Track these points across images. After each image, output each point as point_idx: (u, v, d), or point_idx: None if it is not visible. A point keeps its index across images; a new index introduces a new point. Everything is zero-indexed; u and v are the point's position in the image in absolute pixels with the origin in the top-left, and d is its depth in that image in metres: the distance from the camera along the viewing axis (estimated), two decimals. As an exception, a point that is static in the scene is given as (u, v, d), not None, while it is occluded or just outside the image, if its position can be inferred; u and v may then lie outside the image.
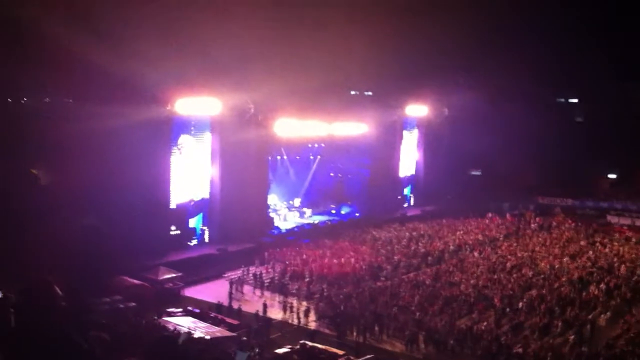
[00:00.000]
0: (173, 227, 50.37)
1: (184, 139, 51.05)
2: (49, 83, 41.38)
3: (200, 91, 49.00)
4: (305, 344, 30.92)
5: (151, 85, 44.01)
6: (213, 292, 41.95)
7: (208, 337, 29.75)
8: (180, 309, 36.63)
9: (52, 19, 38.40)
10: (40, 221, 36.55)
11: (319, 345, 31.23)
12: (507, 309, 38.01)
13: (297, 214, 66.99)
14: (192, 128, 51.58)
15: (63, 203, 37.88)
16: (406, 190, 78.82)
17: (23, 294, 5.90)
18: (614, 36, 73.96)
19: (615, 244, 57.34)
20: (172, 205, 50.59)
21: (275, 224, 60.83)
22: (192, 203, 52.02)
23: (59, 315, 5.81)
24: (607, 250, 54.45)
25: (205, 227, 53.10)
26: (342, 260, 48.50)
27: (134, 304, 35.50)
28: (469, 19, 63.20)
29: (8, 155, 38.60)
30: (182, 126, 50.87)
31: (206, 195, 53.21)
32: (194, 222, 52.50)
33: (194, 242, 52.15)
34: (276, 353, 30.50)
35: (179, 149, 50.67)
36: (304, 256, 49.92)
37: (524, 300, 39.40)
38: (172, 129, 49.71)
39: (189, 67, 46.63)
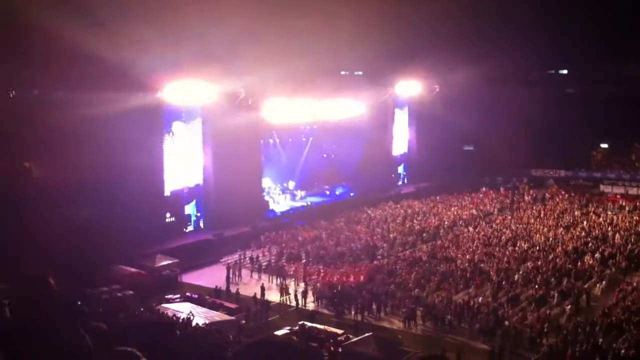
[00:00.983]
0: (168, 215, 50.39)
1: (175, 126, 50.90)
2: (36, 72, 41.06)
3: (190, 76, 48.74)
4: (304, 325, 31.19)
5: (141, 71, 43.70)
6: (211, 277, 42.12)
7: (207, 321, 29.95)
8: (178, 295, 36.84)
9: (38, 7, 38.09)
10: (35, 213, 36.48)
11: (318, 326, 31.52)
12: (504, 282, 38.31)
13: (292, 196, 67.06)
14: (183, 114, 51.34)
15: (57, 194, 37.80)
16: (400, 169, 78.92)
17: (19, 286, 5.93)
18: (602, 5, 73.83)
19: (609, 213, 57.68)
20: (167, 193, 50.54)
21: (270, 207, 60.90)
22: (186, 190, 51.94)
23: (55, 307, 5.85)
24: (601, 219, 54.75)
25: (198, 214, 53.00)
26: (338, 240, 48.72)
27: (132, 292, 35.64)
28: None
29: (1, 148, 38.45)
30: (174, 113, 50.65)
31: (200, 182, 53.12)
32: (189, 209, 52.48)
33: (190, 228, 52.18)
34: (275, 335, 30.73)
35: (171, 136, 50.52)
36: (300, 238, 50.09)
37: (520, 272, 39.70)
38: (163, 116, 49.50)
39: (178, 52, 46.38)
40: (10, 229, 34.49)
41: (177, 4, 48.97)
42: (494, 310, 33.56)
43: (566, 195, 66.97)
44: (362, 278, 39.74)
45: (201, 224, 53.01)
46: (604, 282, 38.85)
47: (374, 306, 35.53)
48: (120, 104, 42.00)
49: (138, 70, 43.25)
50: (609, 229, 50.89)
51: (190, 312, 31.21)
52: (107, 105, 40.70)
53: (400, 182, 78.07)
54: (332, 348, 27.61)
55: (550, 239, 48.10)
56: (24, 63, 39.86)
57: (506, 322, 31.94)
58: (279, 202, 64.45)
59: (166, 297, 36.36)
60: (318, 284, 39.22)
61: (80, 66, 40.78)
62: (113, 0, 43.44)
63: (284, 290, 38.75)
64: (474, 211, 60.08)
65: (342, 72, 73.65)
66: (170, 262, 42.30)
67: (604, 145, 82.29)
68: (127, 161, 42.91)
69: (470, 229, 52.94)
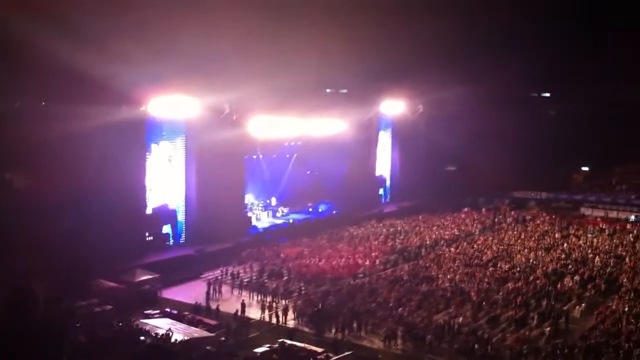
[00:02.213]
0: (147, 234, 49.89)
1: (158, 142, 50.68)
2: (19, 85, 40.83)
3: (174, 91, 48.68)
4: (284, 343, 31.01)
5: (125, 85, 43.59)
6: (191, 292, 41.82)
7: (186, 337, 29.71)
8: (157, 311, 36.50)
9: (23, 18, 37.93)
10: (15, 225, 36.19)
11: (298, 344, 31.33)
12: (484, 303, 38.37)
13: (274, 212, 66.93)
14: (166, 130, 51.12)
15: (37, 206, 37.51)
16: (382, 188, 79.09)
17: (2, 299, 5.92)
18: (585, 30, 74.89)
19: (589, 235, 58.10)
20: (148, 210, 50.18)
21: (253, 224, 60.74)
22: (167, 207, 51.49)
23: (37, 322, 5.85)
24: (581, 242, 55.14)
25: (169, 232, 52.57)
26: (320, 258, 48.67)
27: (110, 306, 35.30)
28: (441, 17, 63.55)
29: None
30: (157, 128, 50.47)
31: (181, 198, 52.73)
32: (167, 228, 52.00)
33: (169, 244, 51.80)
34: (255, 352, 30.55)
35: (154, 151, 50.29)
36: (282, 255, 49.96)
37: (500, 293, 39.82)
38: (146, 131, 49.26)
39: (163, 66, 46.30)
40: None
41: (163, 18, 48.90)
42: (474, 330, 33.61)
43: (547, 217, 67.45)
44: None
45: (181, 240, 52.60)
46: (583, 304, 39.02)
47: (355, 325, 35.39)
48: (104, 118, 41.80)
49: (122, 84, 43.20)
50: (589, 251, 51.28)
51: (170, 327, 30.93)
52: (90, 119, 40.46)
53: (383, 201, 78.21)
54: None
55: (531, 260, 48.37)
56: (6, 75, 39.63)
57: (486, 343, 32.01)
58: (262, 218, 64.31)
59: (145, 312, 36.03)
60: (300, 302, 39.06)
61: (64, 79, 40.63)
62: (97, 14, 43.24)
63: (264, 307, 38.53)
64: (455, 231, 60.28)
65: (327, 90, 73.87)
66: (150, 276, 41.90)
67: (585, 168, 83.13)
68: (110, 175, 42.69)
69: (452, 249, 53.08)
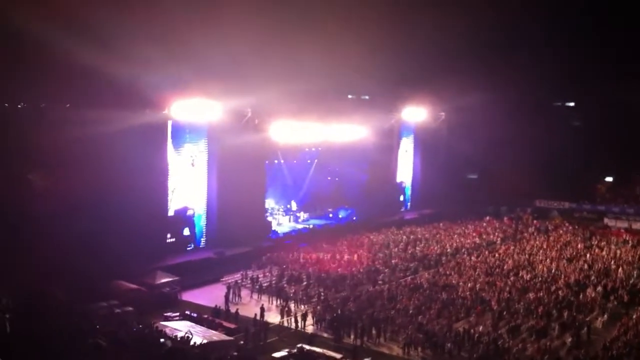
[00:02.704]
0: (169, 235, 50.25)
1: (181, 145, 50.95)
2: (45, 88, 41.33)
3: (196, 94, 48.94)
4: (302, 348, 30.97)
5: (147, 89, 43.92)
6: (211, 296, 41.94)
7: (205, 340, 29.75)
8: (177, 313, 36.64)
9: (48, 23, 38.37)
10: (37, 227, 36.52)
11: (317, 349, 31.28)
12: (505, 312, 38.02)
13: (294, 217, 66.98)
14: (189, 134, 51.40)
15: (60, 208, 37.84)
16: (403, 195, 78.85)
17: (22, 301, 5.92)
18: (609, 38, 74.13)
19: (612, 246, 57.40)
20: (170, 212, 50.46)
21: (273, 228, 60.84)
22: (187, 212, 51.73)
23: (56, 323, 5.84)
24: (604, 253, 54.50)
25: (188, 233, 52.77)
26: (340, 263, 48.58)
27: (131, 308, 35.46)
28: (466, 24, 63.32)
29: (4, 161, 38.58)
30: (181, 133, 50.75)
31: (201, 205, 52.92)
32: (188, 231, 52.23)
33: (190, 248, 52.01)
34: (274, 357, 30.53)
35: (177, 155, 50.54)
36: (301, 260, 49.94)
37: (522, 303, 39.43)
38: (170, 135, 49.59)
39: (186, 71, 46.61)
40: (12, 241, 34.51)
41: (185, 22, 49.24)
42: (494, 339, 33.30)
43: (570, 227, 66.79)
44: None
45: (199, 244, 52.79)
46: (605, 315, 38.55)
47: (374, 331, 35.26)
48: (126, 122, 42.16)
49: (145, 88, 43.53)
50: (612, 262, 50.62)
51: (189, 330, 30.99)
52: (113, 123, 40.79)
53: (403, 208, 77.95)
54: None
55: (553, 270, 47.83)
56: (32, 76, 40.14)
57: (506, 352, 31.70)
58: (282, 223, 64.38)
59: (165, 314, 36.19)
60: (318, 306, 38.97)
61: (87, 83, 41.12)
62: (120, 19, 43.61)
63: (283, 312, 38.50)
64: (477, 239, 59.89)
65: (349, 96, 73.89)
66: (170, 279, 42.10)
67: (609, 179, 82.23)
68: (132, 178, 43.01)
69: (473, 257, 52.70)
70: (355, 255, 51.42)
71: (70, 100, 43.90)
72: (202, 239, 52.95)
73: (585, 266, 49.28)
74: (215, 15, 51.39)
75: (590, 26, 73.04)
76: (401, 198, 78.52)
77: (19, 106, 43.39)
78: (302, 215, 67.66)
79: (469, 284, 43.62)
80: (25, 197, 39.76)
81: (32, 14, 38.24)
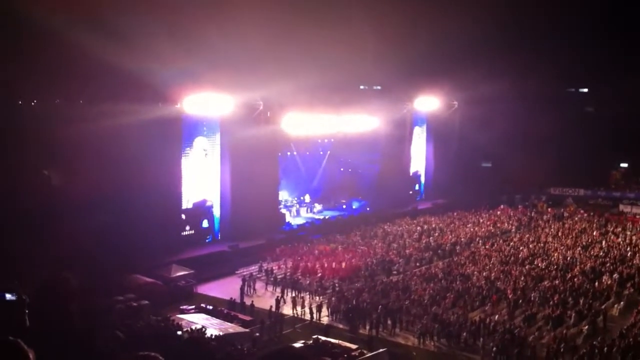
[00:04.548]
0: (187, 227, 50.56)
1: (196, 139, 51.16)
2: (58, 84, 41.54)
3: (208, 88, 49.06)
4: (318, 339, 31.05)
5: (160, 83, 44.08)
6: (226, 288, 42.12)
7: (221, 333, 29.92)
8: (193, 306, 36.84)
9: (61, 18, 38.53)
10: (53, 221, 36.80)
11: (332, 340, 31.35)
12: (520, 301, 37.95)
13: (308, 209, 67.07)
14: (204, 128, 51.60)
15: (75, 203, 38.09)
16: (417, 184, 78.69)
17: (39, 291, 5.98)
18: (622, 24, 73.49)
19: (628, 233, 57.06)
20: (188, 205, 50.71)
21: (287, 220, 60.96)
22: (207, 203, 52.03)
23: (74, 314, 5.89)
24: (619, 240, 54.21)
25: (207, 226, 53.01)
26: (354, 254, 48.63)
27: (147, 302, 35.68)
28: (477, 12, 62.94)
29: (21, 156, 38.84)
30: (194, 126, 50.95)
31: (217, 194, 53.17)
32: (206, 222, 52.56)
33: (207, 240, 52.30)
34: (291, 346, 30.60)
35: (191, 149, 50.75)
36: (316, 251, 50.03)
37: (537, 291, 39.33)
38: (183, 128, 49.82)
39: (198, 64, 46.69)
40: (28, 236, 34.78)
41: (197, 16, 49.29)
42: (510, 328, 33.26)
43: (585, 215, 66.43)
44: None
45: (218, 236, 53.04)
46: (621, 303, 38.40)
47: (389, 322, 35.32)
48: (140, 116, 42.39)
49: (158, 82, 43.64)
50: (628, 249, 50.36)
51: (205, 323, 31.18)
52: (127, 117, 41.01)
53: (417, 198, 77.79)
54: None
55: (568, 258, 47.63)
56: (45, 75, 40.34)
57: (522, 341, 31.64)
58: (295, 215, 64.48)
59: (181, 307, 36.41)
60: (333, 298, 39.05)
61: (101, 78, 41.30)
62: (133, 14, 43.70)
63: (298, 303, 38.61)
64: (491, 228, 59.74)
65: (361, 87, 73.73)
66: (185, 272, 42.35)
67: (624, 165, 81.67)
68: (146, 172, 43.21)
69: (487, 246, 52.59)
70: (370, 247, 51.45)
71: (84, 95, 44.10)
72: (218, 231, 53.13)
73: (601, 253, 49.06)
74: (227, 9, 51.42)
75: (603, 12, 72.34)
76: (416, 187, 78.32)
77: (33, 103, 43.64)
78: (316, 207, 67.73)
79: (484, 273, 43.58)
80: (41, 192, 40.04)
81: (46, 10, 38.36)
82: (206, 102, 49.76)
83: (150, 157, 43.88)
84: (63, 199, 38.91)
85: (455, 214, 66.75)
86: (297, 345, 30.07)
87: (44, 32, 38.46)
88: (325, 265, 45.76)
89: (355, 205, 69.43)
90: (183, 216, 50.42)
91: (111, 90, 42.48)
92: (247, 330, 32.74)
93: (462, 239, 54.86)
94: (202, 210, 51.88)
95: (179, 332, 25.76)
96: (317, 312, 37.40)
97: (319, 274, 44.08)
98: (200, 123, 51.40)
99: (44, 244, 34.43)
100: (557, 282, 41.25)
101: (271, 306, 37.35)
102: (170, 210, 48.56)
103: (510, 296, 38.56)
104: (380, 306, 36.57)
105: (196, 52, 47.14)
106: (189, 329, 28.79)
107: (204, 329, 29.36)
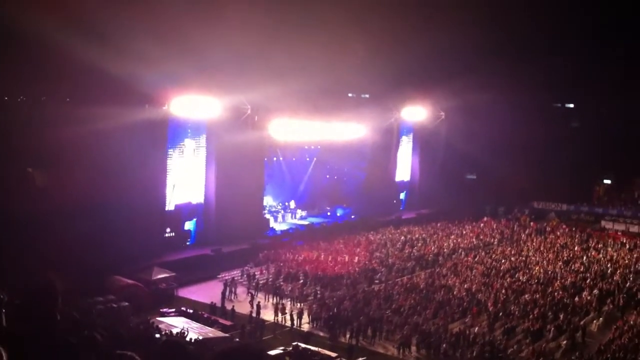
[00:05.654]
0: (168, 230, 50.34)
1: (181, 142, 51.01)
2: (45, 84, 41.29)
3: (195, 91, 48.95)
4: (298, 346, 30.99)
5: (147, 85, 43.91)
6: (207, 292, 41.96)
7: (201, 337, 29.79)
8: (173, 309, 36.67)
9: (47, 19, 38.32)
10: (36, 222, 36.50)
11: (312, 347, 31.30)
12: (500, 314, 38.09)
13: (292, 215, 67.00)
14: (189, 131, 51.47)
15: (58, 204, 37.80)
16: (402, 194, 78.84)
17: (22, 292, 5.94)
18: (610, 41, 74.14)
19: (609, 249, 57.45)
20: (171, 207, 50.53)
21: (270, 225, 60.85)
22: (189, 205, 51.89)
23: (56, 315, 5.86)
24: (600, 256, 54.56)
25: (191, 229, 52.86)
26: (337, 262, 48.60)
27: (127, 303, 35.48)
28: (465, 24, 63.26)
29: (4, 156, 38.55)
30: (180, 129, 50.79)
31: (201, 199, 53.01)
32: (189, 225, 52.39)
33: (188, 243, 52.10)
34: (269, 354, 30.53)
35: (178, 152, 50.60)
36: (299, 258, 49.95)
37: (517, 304, 39.50)
38: (168, 131, 49.64)
39: (185, 67, 46.58)
40: (10, 236, 34.50)
41: (184, 19, 49.17)
42: (490, 341, 33.36)
43: (567, 229, 66.82)
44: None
45: (194, 240, 52.86)
46: (601, 318, 38.63)
47: (369, 331, 35.32)
48: (126, 118, 42.25)
49: (145, 84, 43.47)
50: (609, 265, 50.71)
51: (185, 326, 31.04)
52: (112, 118, 40.79)
53: (401, 207, 77.94)
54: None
55: (549, 272, 47.89)
56: (32, 73, 40.10)
57: (501, 354, 31.76)
58: (280, 220, 64.39)
59: (161, 310, 36.21)
60: (314, 305, 39.01)
61: (87, 79, 41.05)
62: (119, 16, 43.56)
63: (279, 309, 38.55)
64: (474, 240, 59.94)
65: (350, 94, 73.88)
66: (167, 275, 42.16)
67: (607, 181, 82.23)
68: (130, 174, 43.00)
69: (470, 258, 52.76)
70: (353, 255, 51.46)
71: (70, 97, 43.87)
72: (201, 234, 52.93)
73: (582, 269, 49.35)
74: (215, 12, 51.34)
75: (590, 27, 72.93)
76: (401, 196, 78.47)
77: (19, 99, 43.35)
78: (300, 213, 67.70)
79: (466, 285, 43.72)
80: (23, 192, 39.75)
81: (32, 10, 38.16)
82: (193, 104, 49.68)
83: (135, 159, 43.72)
84: (44, 200, 38.59)
85: (438, 224, 66.90)
86: (275, 352, 30.07)
87: (31, 31, 38.22)
88: (308, 271, 45.70)
89: (339, 213, 69.51)
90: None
91: (97, 92, 42.23)
92: (227, 335, 32.64)
93: (445, 250, 55.00)
94: (185, 212, 51.67)
95: (157, 335, 25.60)
96: (298, 318, 37.36)
97: (301, 281, 44.06)
98: (188, 125, 51.25)
99: (26, 245, 34.18)
100: (537, 296, 41.42)
101: (251, 311, 37.28)
102: (154, 213, 48.29)
103: (490, 308, 38.69)
104: (361, 315, 36.58)
105: (184, 54, 47.03)
106: (167, 331, 28.65)
107: (184, 332, 29.25)
